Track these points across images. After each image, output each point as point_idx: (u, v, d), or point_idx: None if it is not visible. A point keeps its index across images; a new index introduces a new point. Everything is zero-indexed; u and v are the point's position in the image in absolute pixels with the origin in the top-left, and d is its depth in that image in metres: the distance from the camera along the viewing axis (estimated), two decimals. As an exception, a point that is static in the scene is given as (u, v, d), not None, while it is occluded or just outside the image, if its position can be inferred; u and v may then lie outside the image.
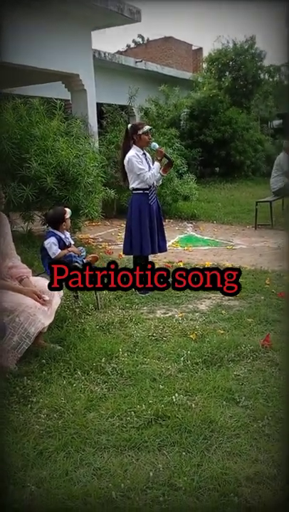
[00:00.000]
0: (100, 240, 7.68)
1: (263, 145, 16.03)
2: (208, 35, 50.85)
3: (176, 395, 2.82)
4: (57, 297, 3.45)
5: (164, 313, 4.38)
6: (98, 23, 9.42)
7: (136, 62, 15.19)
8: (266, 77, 16.90)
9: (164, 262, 6.04)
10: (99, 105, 9.89)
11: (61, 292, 3.56)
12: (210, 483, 2.15)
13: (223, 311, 4.33)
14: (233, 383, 3.01)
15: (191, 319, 4.17)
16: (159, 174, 4.87)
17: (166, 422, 2.60)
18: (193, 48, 23.65)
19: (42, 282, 3.54)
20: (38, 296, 3.30)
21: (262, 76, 16.56)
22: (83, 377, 3.11)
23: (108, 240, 7.66)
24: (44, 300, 3.32)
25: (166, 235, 5.21)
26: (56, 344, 3.57)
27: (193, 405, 2.73)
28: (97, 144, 7.49)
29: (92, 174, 6.42)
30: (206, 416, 2.63)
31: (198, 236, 7.94)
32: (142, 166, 4.77)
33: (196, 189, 10.08)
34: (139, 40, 21.19)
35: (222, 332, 3.82)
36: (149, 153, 5.02)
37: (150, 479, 2.19)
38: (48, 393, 2.94)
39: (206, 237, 7.81)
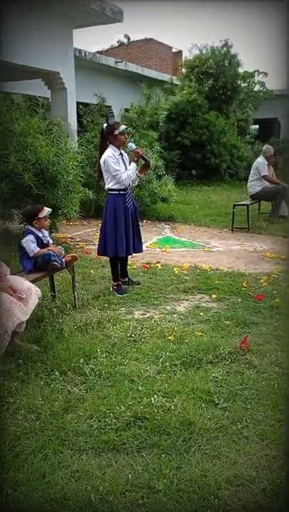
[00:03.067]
0: (78, 239, 7.62)
1: (239, 149, 16.17)
2: (186, 38, 51.18)
3: (155, 396, 2.81)
4: (34, 297, 3.38)
5: (142, 315, 4.36)
6: (80, 22, 9.37)
7: (116, 62, 15.16)
8: (242, 83, 17.11)
9: (142, 263, 6.03)
10: (78, 104, 9.81)
11: (39, 292, 3.50)
12: (189, 485, 2.14)
13: (201, 313, 4.33)
14: (211, 385, 3.01)
15: (169, 321, 4.16)
16: (135, 175, 4.84)
17: (145, 423, 2.58)
18: (173, 50, 23.74)
19: (19, 281, 3.49)
20: (13, 291, 3.25)
21: (238, 83, 16.76)
22: (61, 378, 3.07)
23: (86, 239, 7.61)
24: (19, 297, 3.26)
25: (143, 236, 5.21)
26: (33, 344, 3.51)
27: (172, 407, 2.72)
28: (76, 144, 7.40)
29: (72, 173, 6.35)
30: (185, 418, 2.62)
31: (176, 238, 7.95)
32: (118, 167, 4.72)
33: (174, 191, 10.10)
34: (124, 40, 21.12)
35: (200, 334, 3.82)
36: (127, 153, 4.99)
37: (129, 482, 2.17)
38: (24, 394, 2.88)
39: (183, 239, 7.82)
